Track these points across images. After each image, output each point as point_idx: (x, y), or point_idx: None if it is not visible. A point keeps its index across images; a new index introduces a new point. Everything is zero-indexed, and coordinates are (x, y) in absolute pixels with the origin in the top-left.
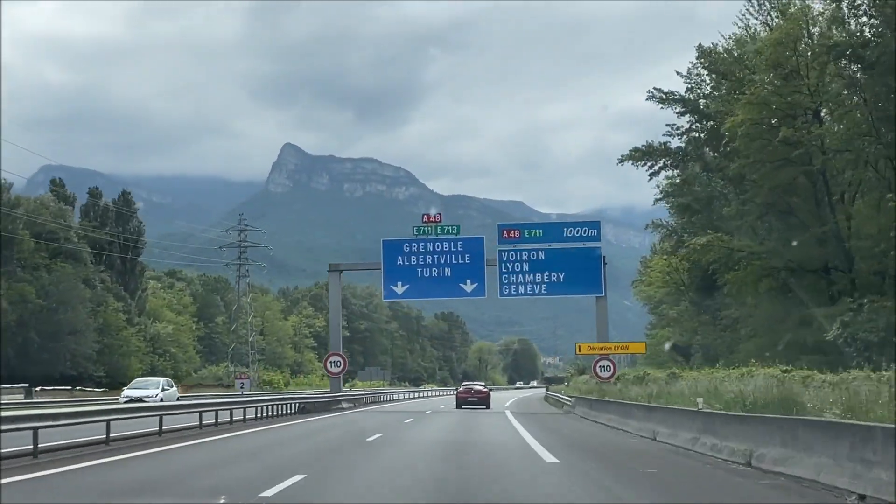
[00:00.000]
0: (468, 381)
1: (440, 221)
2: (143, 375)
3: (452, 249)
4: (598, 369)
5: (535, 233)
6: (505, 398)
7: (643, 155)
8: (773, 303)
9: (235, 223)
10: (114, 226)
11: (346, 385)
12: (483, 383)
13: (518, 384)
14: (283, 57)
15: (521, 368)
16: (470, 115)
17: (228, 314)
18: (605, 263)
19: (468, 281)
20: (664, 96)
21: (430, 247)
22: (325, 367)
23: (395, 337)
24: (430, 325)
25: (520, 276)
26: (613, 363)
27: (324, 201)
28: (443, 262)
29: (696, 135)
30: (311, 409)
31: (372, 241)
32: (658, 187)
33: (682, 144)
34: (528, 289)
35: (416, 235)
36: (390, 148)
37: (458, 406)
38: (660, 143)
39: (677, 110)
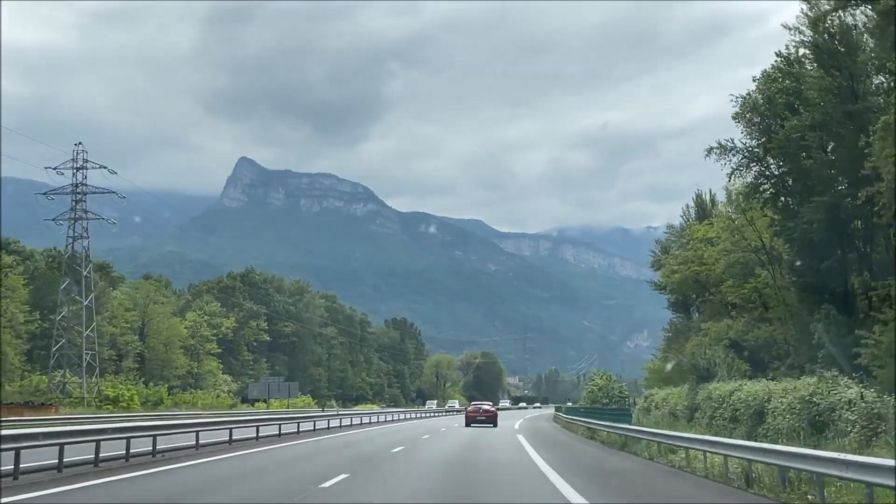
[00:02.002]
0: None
1: None
2: None
3: None
4: None
5: None
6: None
7: None
8: None
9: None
10: None
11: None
12: (491, 403)
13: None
14: (240, 70)
15: (483, 387)
16: (430, 132)
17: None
18: None
19: None
20: None
21: None
22: None
23: (333, 345)
24: (379, 332)
25: None
26: None
27: (280, 217)
28: None
29: None
30: None
31: (328, 259)
32: None
33: None
34: None
35: None
36: (349, 164)
37: (468, 425)
38: None
39: None
